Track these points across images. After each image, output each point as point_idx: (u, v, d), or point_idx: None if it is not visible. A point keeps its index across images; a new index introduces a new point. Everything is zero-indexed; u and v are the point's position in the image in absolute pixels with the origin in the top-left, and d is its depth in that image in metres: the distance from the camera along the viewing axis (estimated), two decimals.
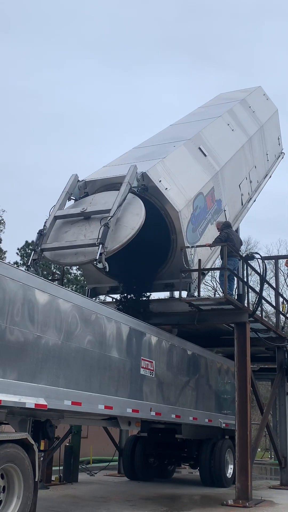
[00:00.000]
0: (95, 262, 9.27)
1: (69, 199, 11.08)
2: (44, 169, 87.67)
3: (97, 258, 9.17)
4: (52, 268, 24.85)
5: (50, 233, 10.23)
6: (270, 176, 18.60)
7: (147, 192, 10.84)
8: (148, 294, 11.81)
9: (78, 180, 11.33)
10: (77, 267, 23.50)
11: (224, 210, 13.82)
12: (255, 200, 16.82)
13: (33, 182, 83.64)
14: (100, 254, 9.18)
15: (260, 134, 17.46)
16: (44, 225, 10.23)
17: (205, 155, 13.43)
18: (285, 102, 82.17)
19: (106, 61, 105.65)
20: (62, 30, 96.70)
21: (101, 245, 9.26)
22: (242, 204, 15.56)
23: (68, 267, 26.62)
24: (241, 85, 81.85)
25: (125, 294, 11.58)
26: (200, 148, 13.38)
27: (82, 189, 11.37)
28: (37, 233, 10.19)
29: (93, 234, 9.70)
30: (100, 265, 9.21)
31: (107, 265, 9.25)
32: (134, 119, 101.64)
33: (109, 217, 9.63)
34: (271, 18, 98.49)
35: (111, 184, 11.18)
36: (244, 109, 17.22)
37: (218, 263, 12.93)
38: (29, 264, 9.80)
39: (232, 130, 15.75)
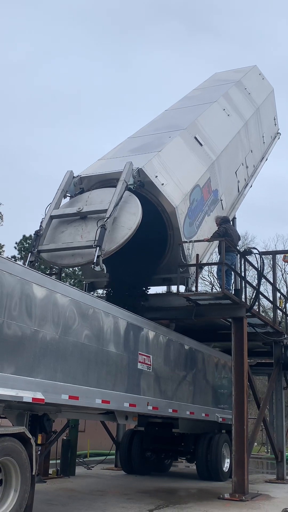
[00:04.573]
0: (92, 266, 9.24)
1: (65, 196, 11.04)
2: (35, 152, 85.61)
3: (95, 261, 9.14)
4: None
5: (46, 234, 10.18)
6: (267, 159, 18.39)
7: (143, 188, 10.81)
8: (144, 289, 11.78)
9: (74, 176, 11.27)
10: None
11: (221, 200, 13.73)
12: (251, 186, 16.67)
13: (23, 167, 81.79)
14: (98, 256, 9.15)
15: (256, 117, 17.21)
16: (40, 226, 10.19)
17: (201, 144, 13.26)
18: (284, 75, 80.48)
19: (95, 31, 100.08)
20: None
21: (98, 248, 9.23)
22: (238, 191, 15.42)
23: None
24: (238, 56, 79.52)
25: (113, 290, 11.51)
26: (196, 138, 13.22)
27: (78, 185, 11.30)
28: (34, 234, 10.19)
29: (90, 235, 9.65)
30: (97, 268, 9.17)
31: (104, 267, 9.22)
32: (127, 92, 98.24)
33: (106, 219, 9.59)
34: None
35: (107, 180, 11.11)
36: (239, 91, 16.94)
37: (215, 256, 12.94)
38: (26, 266, 9.76)
39: (228, 115, 15.50)
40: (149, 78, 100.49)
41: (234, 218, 15.42)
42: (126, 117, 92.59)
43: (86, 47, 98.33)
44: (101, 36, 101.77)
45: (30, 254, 9.94)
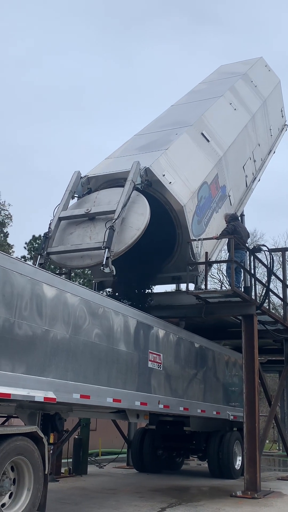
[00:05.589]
0: (102, 267, 9.26)
1: (73, 197, 11.07)
2: (39, 149, 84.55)
3: (104, 262, 9.16)
4: None
5: (55, 236, 10.22)
6: (274, 152, 18.26)
7: (151, 187, 10.80)
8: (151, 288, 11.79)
9: (81, 177, 11.29)
10: None
11: (229, 196, 13.66)
12: (259, 180, 16.56)
13: (27, 164, 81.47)
14: (107, 258, 9.17)
15: (263, 110, 17.08)
16: (49, 228, 10.23)
17: (208, 140, 13.19)
18: None
19: (96, 25, 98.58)
20: None
21: (107, 249, 9.23)
22: (246, 185, 15.33)
23: None
24: (243, 47, 78.40)
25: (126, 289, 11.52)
26: (202, 134, 13.15)
27: (85, 185, 11.32)
28: (43, 236, 10.24)
29: (99, 236, 9.67)
30: (107, 270, 9.19)
31: (114, 269, 9.24)
32: (130, 87, 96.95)
33: (114, 220, 9.60)
34: None
35: (114, 180, 11.11)
36: (246, 84, 16.81)
37: (224, 254, 12.90)
38: (35, 266, 9.80)
39: (235, 109, 15.39)
40: (152, 72, 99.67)
41: (243, 214, 15.39)
42: (130, 112, 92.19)
43: (87, 42, 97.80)
44: (102, 30, 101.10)
45: (39, 256, 9.98)
